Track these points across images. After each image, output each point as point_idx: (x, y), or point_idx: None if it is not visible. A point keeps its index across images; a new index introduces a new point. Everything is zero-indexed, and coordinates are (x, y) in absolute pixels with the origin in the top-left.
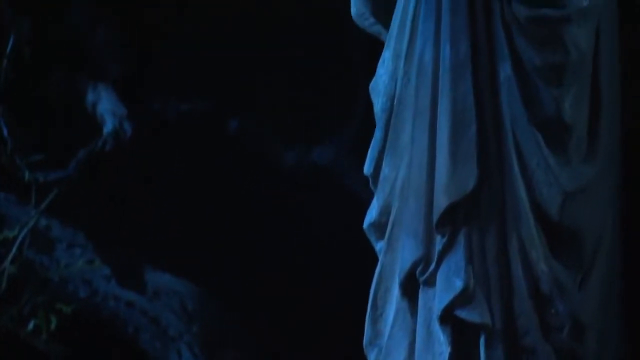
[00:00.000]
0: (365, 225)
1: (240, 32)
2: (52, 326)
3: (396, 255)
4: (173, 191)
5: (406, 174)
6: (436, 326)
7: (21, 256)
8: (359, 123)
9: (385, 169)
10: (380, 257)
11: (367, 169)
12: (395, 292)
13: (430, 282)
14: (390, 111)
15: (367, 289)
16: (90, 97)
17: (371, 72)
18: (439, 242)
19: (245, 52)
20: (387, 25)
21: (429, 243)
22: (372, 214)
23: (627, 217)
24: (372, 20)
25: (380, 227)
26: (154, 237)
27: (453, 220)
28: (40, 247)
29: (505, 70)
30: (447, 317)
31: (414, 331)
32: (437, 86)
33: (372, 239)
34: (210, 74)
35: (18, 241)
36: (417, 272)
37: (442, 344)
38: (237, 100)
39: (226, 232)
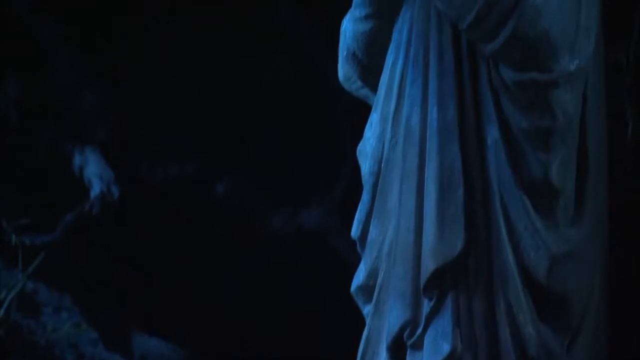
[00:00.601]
0: (352, 288)
1: (227, 96)
2: None
3: (384, 319)
4: (160, 254)
5: (394, 237)
6: None
7: (8, 320)
8: (346, 186)
9: (372, 232)
10: (368, 321)
11: (355, 232)
12: (383, 355)
13: (418, 346)
14: (377, 174)
15: (354, 352)
16: (77, 160)
17: (359, 135)
18: (426, 305)
19: (232, 116)
20: (374, 88)
21: (416, 306)
22: (359, 277)
23: (614, 280)
24: (359, 83)
25: (367, 290)
26: (141, 301)
27: (440, 284)
28: (27, 310)
29: (493, 134)
30: None
31: None
32: (424, 149)
33: (360, 302)
34: (196, 137)
35: (5, 305)
36: (405, 335)
37: None
38: (224, 164)
39: (214, 295)
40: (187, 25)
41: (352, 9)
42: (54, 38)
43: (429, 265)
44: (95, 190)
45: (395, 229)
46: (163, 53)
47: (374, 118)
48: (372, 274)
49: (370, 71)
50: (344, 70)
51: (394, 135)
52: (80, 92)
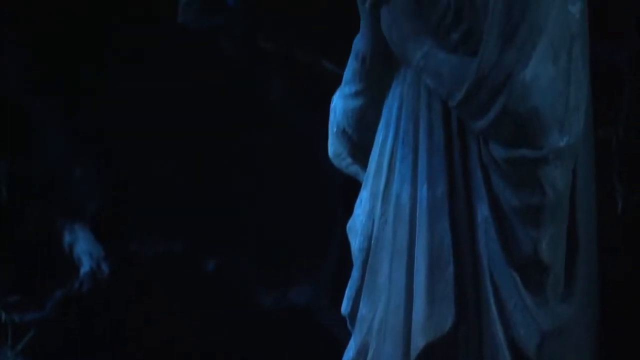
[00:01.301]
0: None
1: (216, 173)
2: None
3: None
4: (151, 331)
5: (383, 314)
6: None
7: None
8: (337, 263)
9: (362, 309)
10: None
11: (345, 309)
12: None
13: None
14: (367, 251)
15: None
16: (67, 237)
17: (349, 212)
18: None
19: (222, 192)
20: (364, 165)
21: None
22: (349, 354)
23: (603, 356)
24: (349, 160)
25: None
26: None
27: None
28: None
29: (483, 211)
30: None
31: None
32: (414, 226)
33: None
34: (186, 214)
35: None
36: None
37: None
38: (214, 240)
39: None
40: (178, 102)
41: (342, 86)
42: (44, 115)
43: (418, 342)
44: (85, 267)
45: (385, 306)
46: (153, 131)
47: (364, 195)
48: (362, 351)
49: (360, 148)
50: (334, 146)
51: (383, 212)
52: (70, 169)
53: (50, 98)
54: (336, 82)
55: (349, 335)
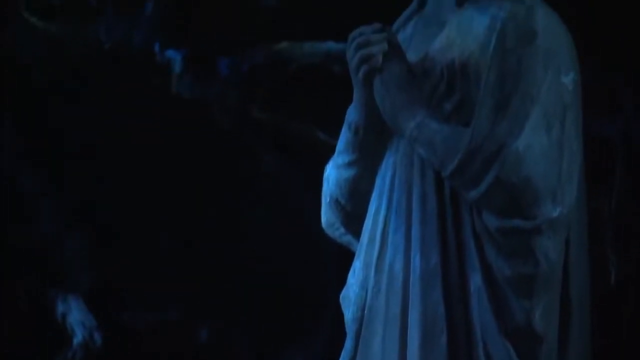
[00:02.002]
0: None
1: (208, 244)
2: None
3: None
4: None
5: None
6: None
7: None
8: (330, 332)
9: None
10: None
11: None
12: None
13: None
14: (360, 321)
15: None
16: (59, 307)
17: (342, 281)
18: None
19: (215, 263)
20: (357, 235)
21: None
22: None
23: None
24: (342, 230)
25: None
26: None
27: None
28: None
29: (476, 281)
30: None
31: None
32: (407, 296)
33: None
34: (179, 283)
35: None
36: None
37: None
38: (207, 310)
39: None
40: (171, 172)
41: (335, 156)
42: (36, 186)
43: None
44: (78, 337)
45: None
46: (146, 202)
47: (357, 265)
48: None
49: (353, 218)
50: (327, 216)
51: (377, 282)
52: (63, 240)
53: (42, 169)
54: (329, 152)
55: None
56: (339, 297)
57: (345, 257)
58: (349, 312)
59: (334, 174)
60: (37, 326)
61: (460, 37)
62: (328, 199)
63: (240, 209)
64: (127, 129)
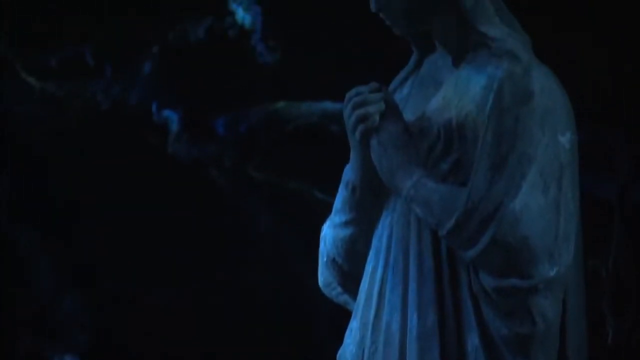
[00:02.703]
0: None
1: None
2: None
3: None
4: None
5: None
6: None
7: None
8: None
9: None
10: None
11: None
12: None
13: None
14: None
15: None
16: None
17: (339, 341)
18: None
19: (210, 321)
20: (354, 294)
21: None
22: None
23: None
24: (339, 290)
25: None
26: None
27: None
28: None
29: (473, 340)
30: None
31: None
32: (404, 356)
33: None
34: (174, 341)
35: None
36: None
37: None
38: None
39: None
40: (168, 232)
41: (331, 215)
42: (34, 246)
43: None
44: None
45: None
46: (143, 261)
47: (354, 325)
48: None
49: (350, 277)
50: (323, 276)
51: (373, 341)
52: (61, 299)
53: (40, 228)
54: (326, 212)
55: None
56: (335, 356)
57: (342, 316)
58: None
59: (330, 234)
60: None
61: (457, 96)
62: (325, 259)
63: (237, 268)
64: (125, 188)
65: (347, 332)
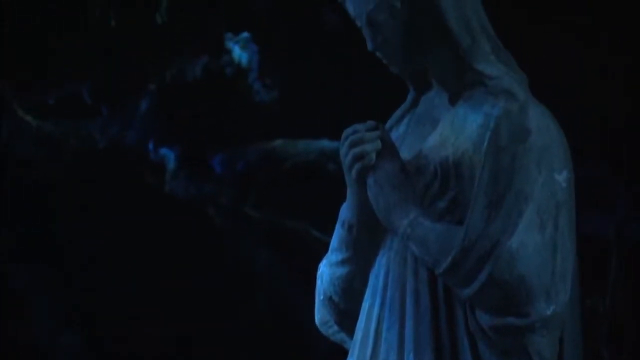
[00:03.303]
0: None
1: (203, 340)
2: None
3: None
4: None
5: None
6: None
7: None
8: None
9: None
10: None
11: None
12: None
13: None
14: None
15: None
16: None
17: None
18: None
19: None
20: (350, 333)
21: None
22: None
23: None
24: (335, 328)
25: None
26: None
27: None
28: None
29: None
30: None
31: None
32: None
33: None
34: None
35: None
36: None
37: None
38: None
39: None
40: (165, 271)
41: (328, 254)
42: (30, 286)
43: None
44: None
45: None
46: (140, 300)
47: None
48: None
49: (346, 316)
50: (320, 314)
51: None
52: (57, 338)
53: (36, 267)
54: (323, 250)
55: None
56: None
57: (339, 355)
58: None
59: (327, 272)
60: None
61: (453, 135)
62: (322, 297)
63: (235, 305)
64: (122, 226)
65: None
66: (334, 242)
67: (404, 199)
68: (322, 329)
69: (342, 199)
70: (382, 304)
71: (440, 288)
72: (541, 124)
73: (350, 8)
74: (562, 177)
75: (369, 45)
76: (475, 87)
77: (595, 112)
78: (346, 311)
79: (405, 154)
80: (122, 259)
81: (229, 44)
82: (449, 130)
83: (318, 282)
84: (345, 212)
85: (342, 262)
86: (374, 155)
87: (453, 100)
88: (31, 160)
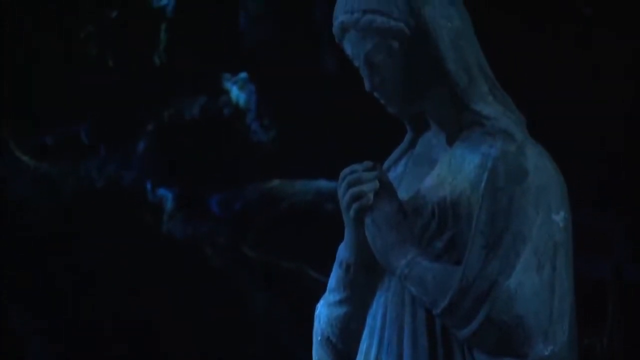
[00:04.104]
0: None
1: None
2: None
3: None
4: None
5: None
6: None
7: None
8: None
9: None
10: None
11: None
12: None
13: None
14: None
15: None
16: None
17: None
18: None
19: None
20: None
21: None
22: None
23: None
24: None
25: None
26: None
27: None
28: None
29: None
30: None
31: None
32: None
33: None
34: None
35: None
36: None
37: None
38: None
39: None
40: (163, 312)
41: (326, 294)
42: (26, 326)
43: None
44: None
45: None
46: (134, 338)
47: None
48: None
49: (344, 356)
50: (318, 355)
51: None
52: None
53: (32, 308)
54: (320, 290)
55: None
56: None
57: None
58: None
59: (325, 312)
60: None
61: (451, 175)
62: (319, 337)
63: (233, 346)
64: (120, 266)
65: None
66: (332, 282)
67: (401, 239)
68: None
69: (340, 239)
70: (379, 345)
71: (438, 329)
72: (539, 165)
73: (348, 48)
74: (560, 218)
75: (367, 86)
76: (473, 127)
77: (594, 153)
78: (344, 352)
79: (403, 194)
80: (120, 299)
81: (227, 84)
82: (446, 170)
83: (316, 322)
84: (343, 252)
85: (340, 303)
86: (371, 196)
87: (451, 141)
88: (28, 200)
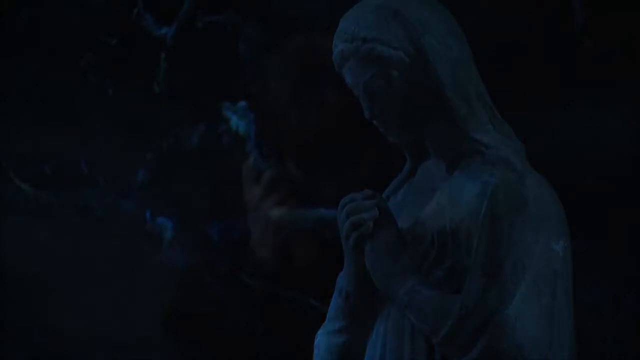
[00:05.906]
0: None
1: None
2: None
3: None
4: None
5: None
6: None
7: None
8: None
9: None
10: None
11: None
12: None
13: None
14: None
15: None
16: None
17: None
18: None
19: None
20: None
21: None
22: None
23: None
24: None
25: None
26: None
27: None
28: None
29: None
30: None
31: None
32: None
33: None
34: None
35: None
36: None
37: None
38: None
39: None
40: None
41: (325, 322)
42: None
43: None
44: None
45: None
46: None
47: None
48: None
49: None
50: None
51: None
52: None
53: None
54: (320, 319)
55: None
56: None
57: None
58: None
59: (324, 341)
60: None
61: (450, 203)
62: None
63: None
64: (118, 296)
65: None
66: (331, 310)
67: (401, 267)
68: None
69: (340, 267)
70: None
71: (438, 358)
72: (538, 193)
73: (348, 77)
74: (559, 247)
75: (366, 114)
76: (473, 156)
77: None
78: None
79: (403, 223)
80: (119, 328)
81: (227, 113)
82: (446, 199)
83: (315, 351)
84: (342, 280)
85: (339, 331)
86: (371, 224)
87: (450, 169)
88: (27, 229)
